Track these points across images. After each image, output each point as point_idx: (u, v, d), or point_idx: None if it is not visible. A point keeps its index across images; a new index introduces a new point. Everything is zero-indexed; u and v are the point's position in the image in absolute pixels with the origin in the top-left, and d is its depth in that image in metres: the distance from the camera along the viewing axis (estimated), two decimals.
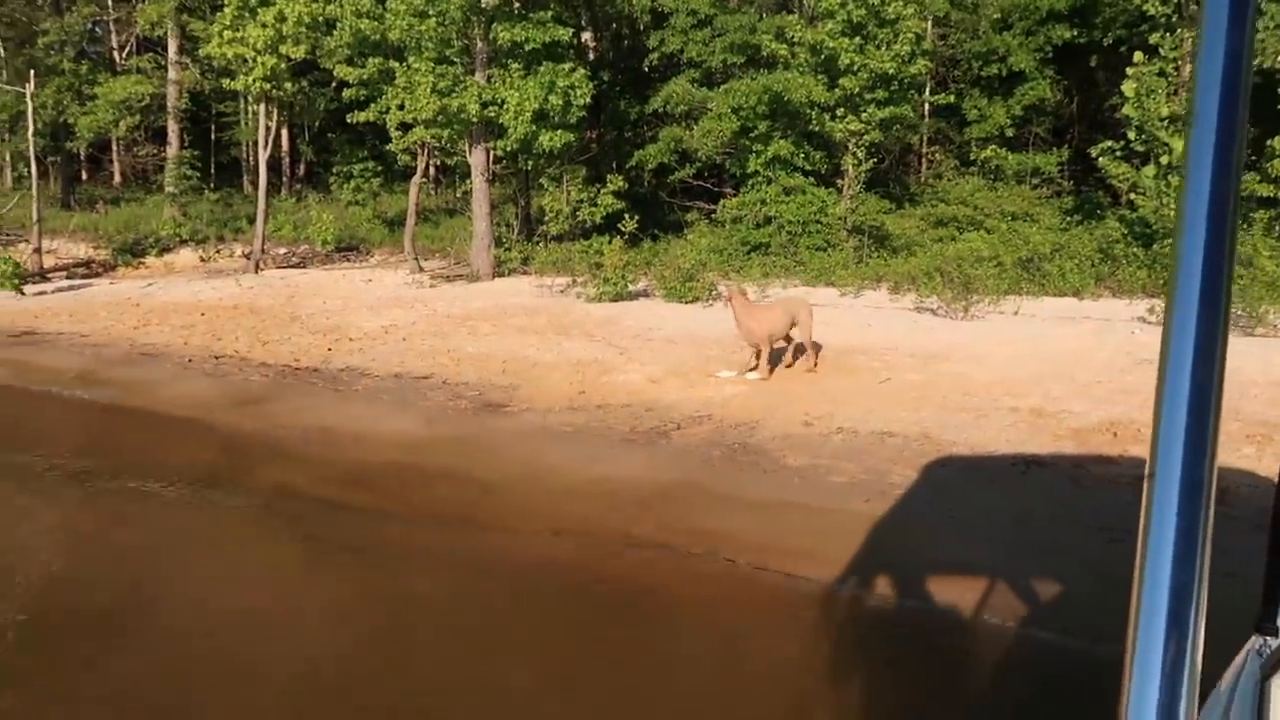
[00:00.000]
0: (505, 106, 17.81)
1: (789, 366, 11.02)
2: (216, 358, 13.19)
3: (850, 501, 7.76)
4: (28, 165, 22.03)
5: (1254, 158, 16.55)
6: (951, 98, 20.63)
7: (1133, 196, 15.96)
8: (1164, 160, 15.20)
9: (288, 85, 20.88)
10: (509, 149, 18.38)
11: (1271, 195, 15.32)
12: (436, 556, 7.28)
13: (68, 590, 6.81)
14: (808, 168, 18.35)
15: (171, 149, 25.10)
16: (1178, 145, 15.22)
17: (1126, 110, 15.74)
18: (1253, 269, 13.17)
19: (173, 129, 25.32)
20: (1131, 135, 15.68)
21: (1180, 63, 16.52)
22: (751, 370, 10.93)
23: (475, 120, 18.15)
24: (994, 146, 20.52)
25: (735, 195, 19.50)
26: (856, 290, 15.42)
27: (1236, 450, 8.27)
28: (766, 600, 6.51)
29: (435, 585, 6.85)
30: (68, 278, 19.73)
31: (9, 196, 23.14)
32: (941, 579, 6.55)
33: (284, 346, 13.49)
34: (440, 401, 11.06)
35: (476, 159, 18.97)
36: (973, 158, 20.92)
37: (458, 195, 24.14)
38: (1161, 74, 15.67)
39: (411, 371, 12.14)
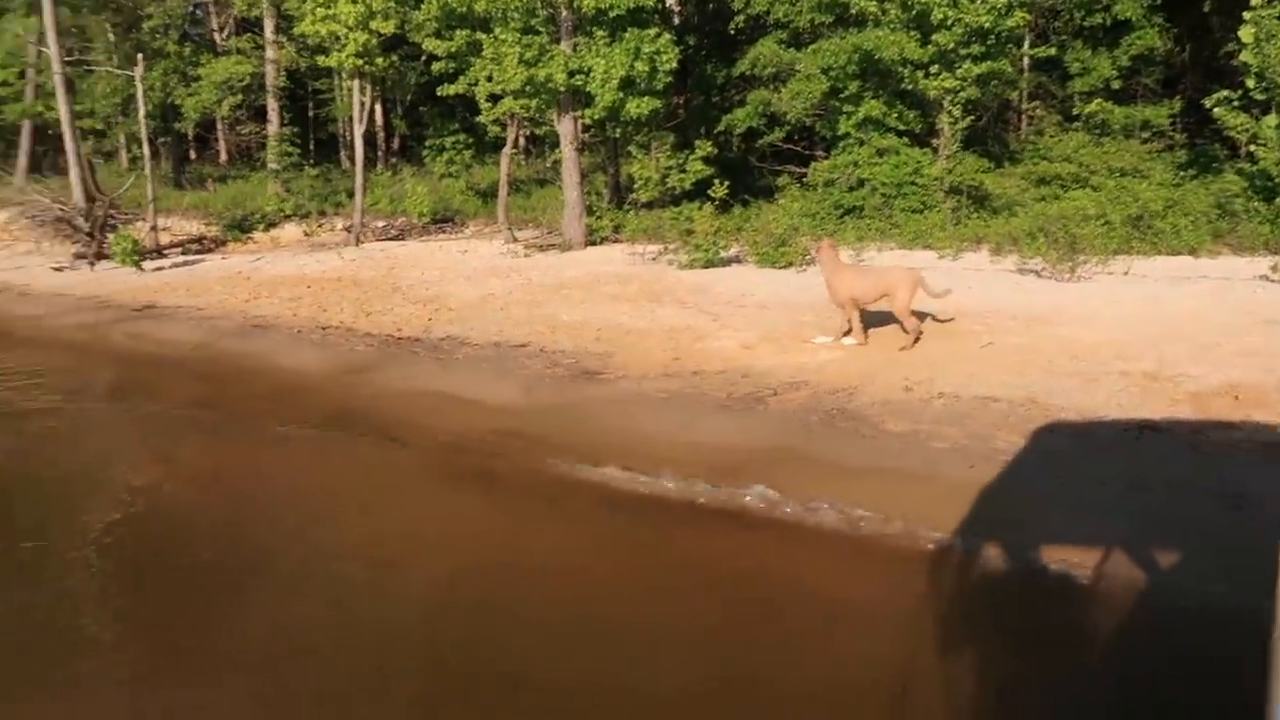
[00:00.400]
0: (592, 75, 17.83)
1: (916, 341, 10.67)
2: (323, 329, 13.66)
3: (954, 468, 7.64)
4: (140, 147, 23.05)
5: None
6: (1052, 50, 19.78)
7: (1252, 148, 15.12)
8: None
9: (379, 60, 21.28)
10: (596, 117, 18.40)
11: None
12: (546, 516, 7.49)
13: (227, 517, 7.55)
14: (901, 128, 17.90)
15: (272, 126, 25.88)
16: None
17: (1244, 57, 14.87)
18: None
19: (272, 107, 26.08)
20: (1250, 83, 14.82)
21: None
22: (847, 335, 10.80)
23: (562, 89, 18.22)
24: (1099, 100, 19.63)
25: (826, 158, 19.17)
26: (955, 253, 15.04)
27: None
28: (877, 566, 6.49)
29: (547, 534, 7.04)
30: (182, 254, 20.63)
31: (125, 177, 24.25)
32: (1053, 546, 6.42)
33: (386, 317, 13.87)
34: (538, 369, 11.24)
35: (565, 128, 19.07)
36: (1076, 112, 20.06)
37: (548, 165, 24.33)
38: None
39: (509, 340, 12.35)
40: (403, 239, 20.75)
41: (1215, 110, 15.36)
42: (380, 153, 27.40)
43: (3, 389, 11.85)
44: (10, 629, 5.85)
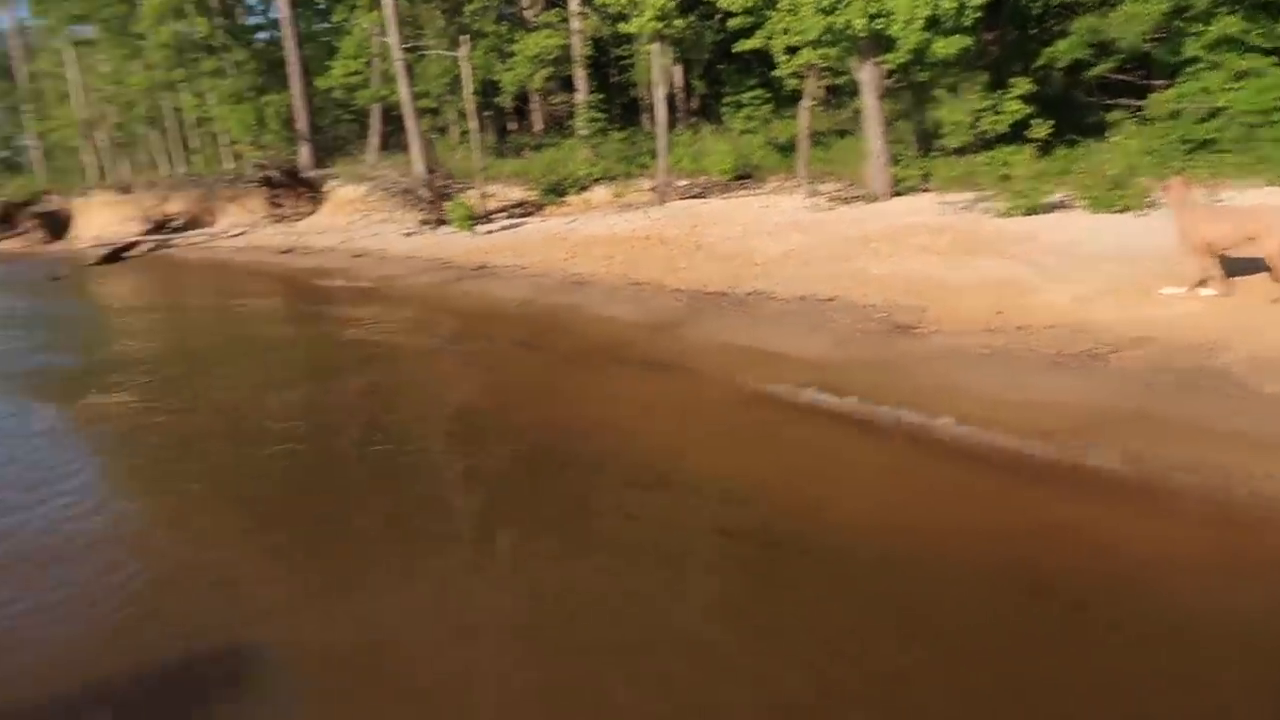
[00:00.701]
0: (893, 16, 16.99)
1: None
2: (635, 284, 14.26)
3: None
4: (467, 121, 25.16)
5: None
6: None
7: None
8: None
9: (677, 22, 21.62)
10: (900, 61, 17.55)
11: None
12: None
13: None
14: (1267, 45, 15.47)
15: (580, 95, 27.22)
16: None
17: None
18: None
19: (579, 76, 27.39)
20: None
21: None
22: (1203, 286, 9.62)
23: (862, 35, 17.51)
24: None
25: (1168, 87, 17.05)
26: None
27: None
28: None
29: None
30: (507, 217, 22.38)
31: (456, 150, 26.64)
32: None
33: (692, 273, 14.22)
34: (847, 324, 11.05)
35: (866, 75, 18.37)
36: None
37: (848, 115, 23.66)
38: None
39: (816, 294, 12.22)
40: (705, 197, 21.10)
41: None
42: (680, 113, 27.98)
43: (379, 333, 14.33)
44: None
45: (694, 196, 21.21)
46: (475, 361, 12.47)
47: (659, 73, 22.57)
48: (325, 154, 31.65)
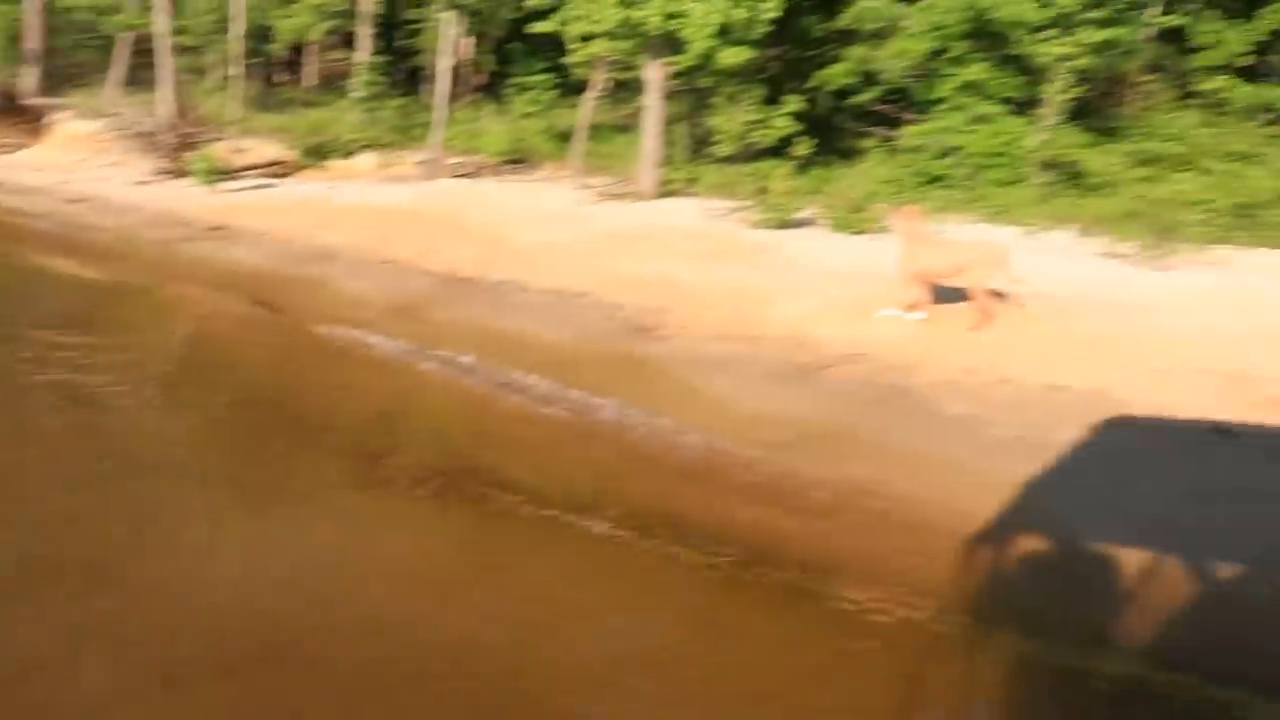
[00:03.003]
0: (689, 18, 17.26)
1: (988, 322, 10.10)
2: (384, 261, 13.65)
3: (1010, 458, 7.23)
4: (230, 66, 23.27)
5: None
6: (1184, 19, 18.40)
7: None
8: None
9: None
10: (688, 64, 17.87)
11: None
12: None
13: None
14: (1002, 95, 16.93)
15: (362, 54, 25.82)
16: None
17: None
18: None
19: (364, 34, 26.01)
20: None
21: None
22: (914, 310, 10.31)
23: (657, 33, 17.71)
24: (1224, 77, 18.27)
25: (917, 122, 18.32)
26: (1042, 230, 14.26)
27: None
28: (892, 558, 6.17)
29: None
30: (259, 177, 20.83)
31: (213, 96, 24.54)
32: (1101, 549, 6.03)
33: (448, 255, 13.78)
34: (594, 319, 11.06)
35: (653, 74, 18.58)
36: (1195, 88, 18.72)
37: (629, 112, 23.86)
38: None
39: (568, 288, 12.15)
40: (475, 177, 20.60)
41: None
42: (464, 88, 27.20)
43: (86, 302, 12.52)
44: None
45: (464, 176, 20.67)
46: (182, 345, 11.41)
47: (447, 42, 21.79)
48: (58, 82, 28.20)
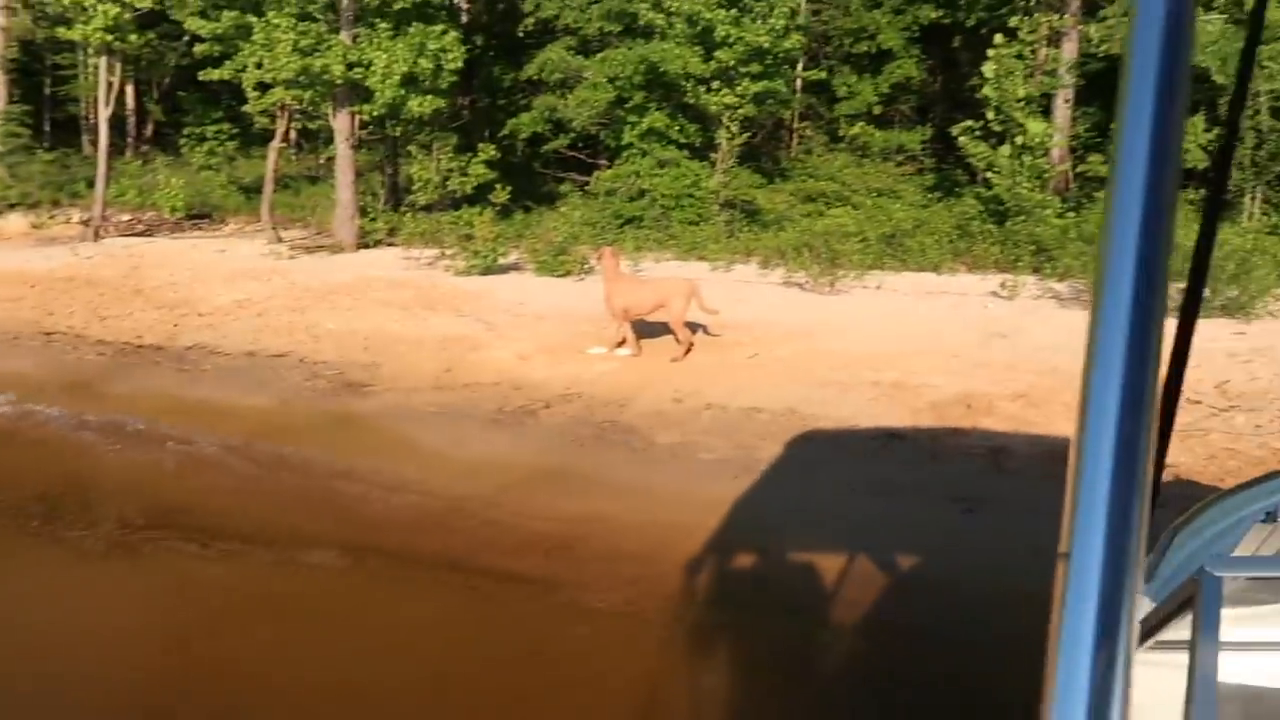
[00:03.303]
0: (372, 68, 17.04)
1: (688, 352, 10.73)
2: (47, 334, 12.22)
3: (719, 479, 7.77)
4: None
5: (1099, 139, 17.42)
6: (823, 74, 20.89)
7: (989, 175, 16.52)
8: (1019, 140, 15.76)
9: (133, 37, 19.39)
10: (375, 113, 17.61)
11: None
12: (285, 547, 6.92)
13: None
14: (682, 141, 18.29)
15: None
16: (1033, 126, 15.84)
17: (986, 91, 16.23)
18: (1094, 246, 13.80)
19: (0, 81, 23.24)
20: (990, 115, 16.19)
21: (1037, 46, 17.15)
22: (621, 346, 10.81)
23: (339, 82, 17.30)
24: (862, 123, 20.92)
25: (609, 167, 19.29)
26: (727, 264, 15.49)
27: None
28: (622, 583, 6.43)
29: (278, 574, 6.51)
30: None
31: None
32: (804, 553, 6.62)
33: (124, 322, 12.60)
34: (297, 381, 10.57)
35: (340, 123, 18.12)
36: (841, 134, 21.30)
37: (320, 161, 23.09)
38: (1019, 56, 16.21)
39: (266, 349, 11.54)
40: (151, 235, 18.97)
41: (959, 138, 16.66)
42: (130, 139, 25.00)
43: None
44: None
45: (138, 234, 18.98)
46: None
47: (105, 90, 19.91)
48: None
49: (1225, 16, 15.50)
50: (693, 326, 10.89)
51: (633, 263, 14.91)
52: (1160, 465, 1.99)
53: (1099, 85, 17.80)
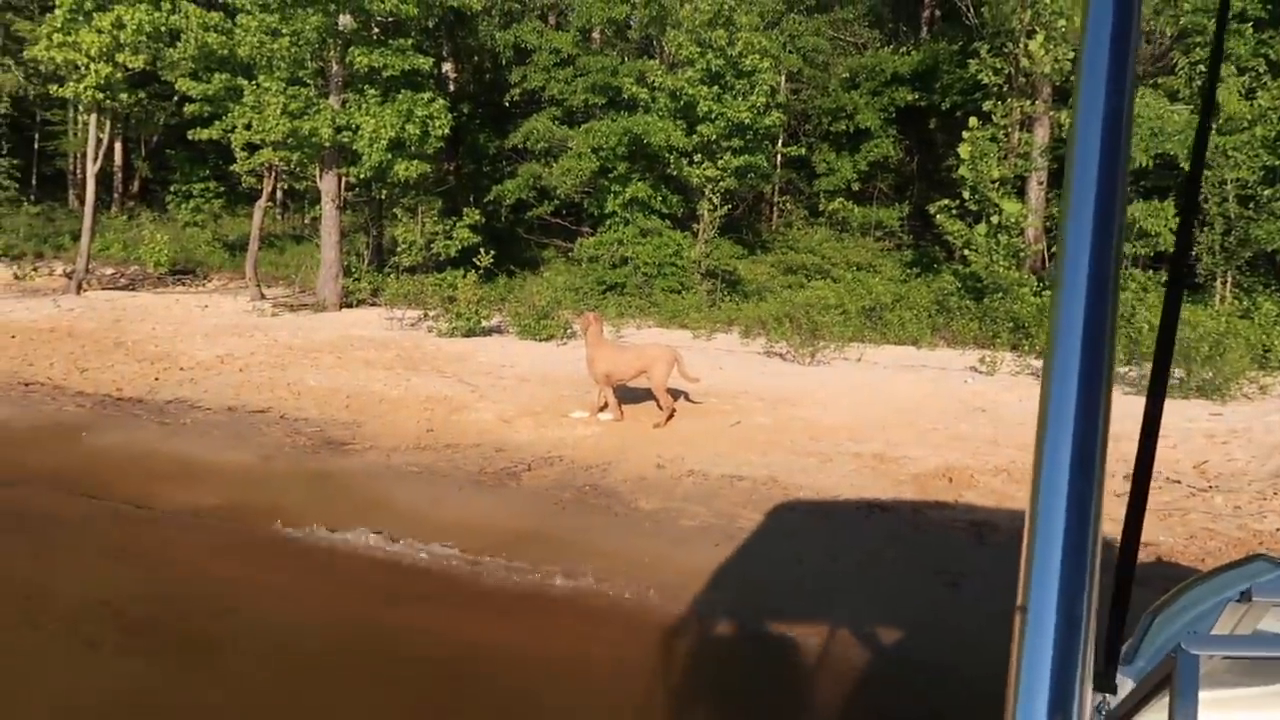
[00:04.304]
0: (360, 132, 17.32)
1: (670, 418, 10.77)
2: (26, 385, 12.10)
3: (700, 546, 7.75)
4: None
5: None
6: (802, 150, 21.44)
7: (966, 253, 16.90)
8: (994, 220, 16.19)
9: (124, 96, 19.63)
10: (362, 176, 17.84)
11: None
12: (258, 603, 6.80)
13: None
14: (665, 210, 18.63)
15: None
16: (1008, 206, 16.28)
17: (961, 171, 16.71)
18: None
19: None
20: (965, 195, 16.64)
21: (1010, 129, 17.71)
22: (603, 410, 10.85)
23: (327, 145, 17.57)
24: (841, 199, 21.42)
25: (593, 234, 19.57)
26: (709, 333, 15.65)
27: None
28: (604, 649, 6.37)
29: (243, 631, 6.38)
30: None
31: None
32: (786, 623, 6.59)
33: (105, 375, 12.51)
34: (277, 438, 10.48)
35: (327, 185, 18.33)
36: (821, 209, 21.78)
37: (306, 221, 23.27)
38: (993, 139, 16.75)
39: (247, 405, 11.47)
40: (135, 289, 18.94)
41: (936, 216, 17.08)
42: (117, 195, 25.12)
43: None
44: None
45: (121, 288, 18.95)
46: None
47: (94, 146, 20.07)
48: None
49: (1191, 107, 16.11)
50: (675, 393, 10.97)
51: (615, 329, 15.04)
52: (1136, 538, 2.03)
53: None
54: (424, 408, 11.31)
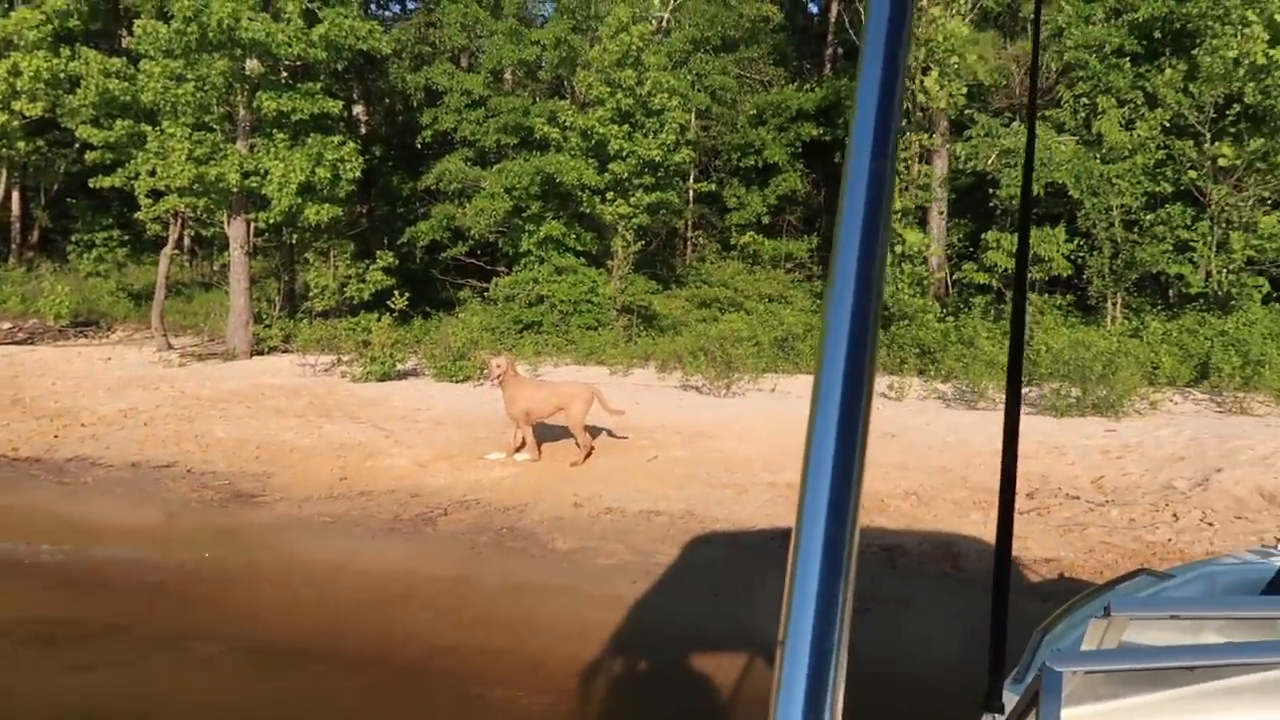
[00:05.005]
0: (269, 177, 17.08)
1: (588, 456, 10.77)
2: None
3: (618, 584, 7.78)
4: None
5: (971, 249, 18.58)
6: (713, 186, 21.87)
7: None
8: (898, 249, 16.71)
9: (21, 144, 19.03)
10: (272, 221, 17.58)
11: (987, 283, 17.19)
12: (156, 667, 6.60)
13: None
14: (579, 248, 18.77)
15: None
16: (911, 236, 16.84)
17: None
18: (973, 348, 14.64)
19: None
20: None
21: (910, 162, 18.35)
22: (520, 451, 10.83)
23: (235, 190, 17.29)
24: (752, 233, 21.88)
25: (508, 274, 19.59)
26: (626, 368, 15.77)
27: (965, 516, 9.03)
28: (522, 693, 6.34)
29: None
30: None
31: None
32: (703, 658, 6.65)
33: (0, 434, 12.02)
34: (183, 493, 10.21)
35: (236, 230, 18.01)
36: (733, 242, 22.21)
37: (214, 268, 22.76)
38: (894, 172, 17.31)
39: (152, 460, 11.15)
40: (33, 343, 18.27)
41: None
42: (14, 246, 24.23)
43: None
44: None
45: (18, 343, 18.25)
46: None
47: None
48: None
49: (1076, 138, 16.94)
50: (596, 429, 11.01)
51: (532, 367, 15.05)
52: (1007, 569, 2.14)
53: (969, 199, 19.11)
54: (337, 455, 11.13)
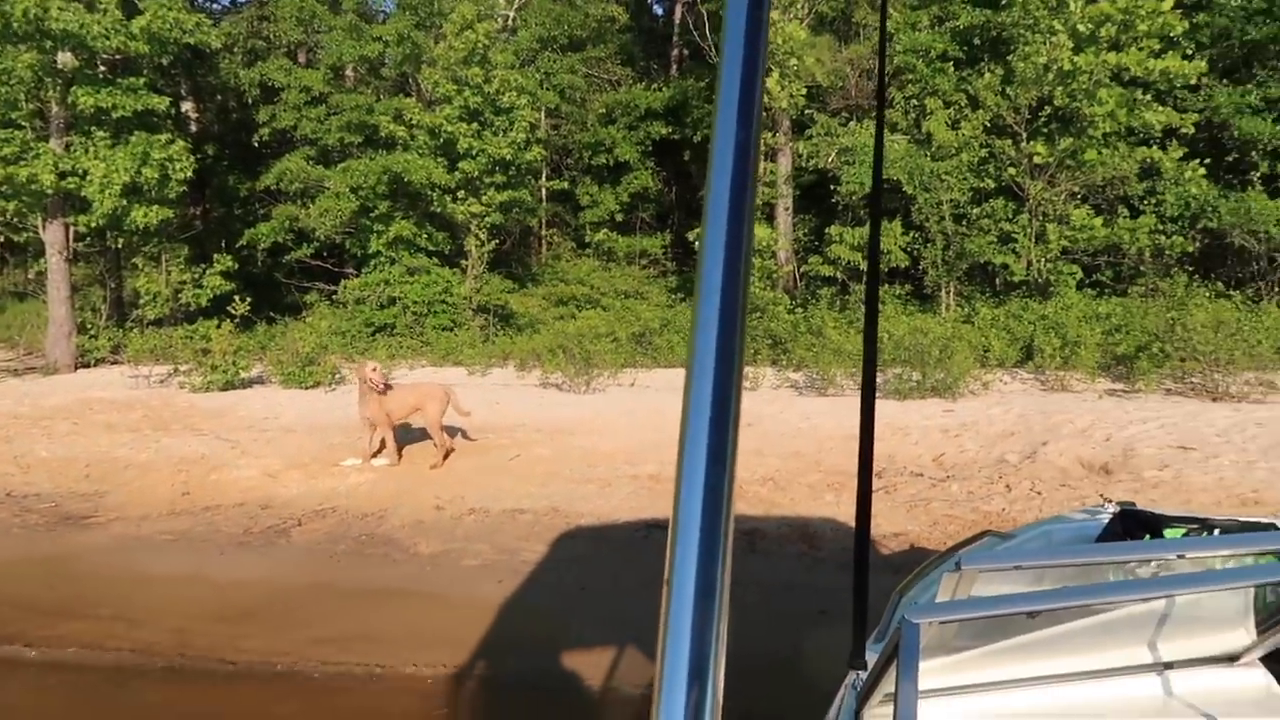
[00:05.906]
0: (89, 178, 15.95)
1: (447, 457, 10.52)
2: None
3: (483, 585, 7.67)
4: None
5: (816, 243, 19.28)
6: (566, 184, 21.86)
7: None
8: None
9: None
10: (93, 225, 16.42)
11: (832, 275, 17.89)
12: None
13: None
14: (431, 248, 18.40)
15: None
16: (759, 231, 17.32)
17: None
18: (822, 338, 15.20)
19: None
20: None
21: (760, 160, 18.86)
22: (377, 456, 10.52)
23: (50, 192, 16.06)
24: (606, 230, 22.00)
25: (357, 275, 19.00)
26: (484, 369, 15.56)
27: (819, 498, 9.37)
28: (385, 703, 6.16)
29: None
30: None
31: None
32: (572, 653, 6.64)
33: None
34: (3, 519, 9.40)
35: (52, 235, 16.73)
36: (588, 240, 22.27)
37: (29, 276, 21.07)
38: None
39: None
40: None
41: (696, 244, 17.85)
42: None
43: None
44: None
45: None
46: None
47: None
48: None
49: (908, 138, 17.84)
50: (452, 431, 10.82)
51: (386, 370, 14.63)
52: (866, 533, 2.22)
53: (812, 195, 19.82)
54: (178, 470, 10.52)
